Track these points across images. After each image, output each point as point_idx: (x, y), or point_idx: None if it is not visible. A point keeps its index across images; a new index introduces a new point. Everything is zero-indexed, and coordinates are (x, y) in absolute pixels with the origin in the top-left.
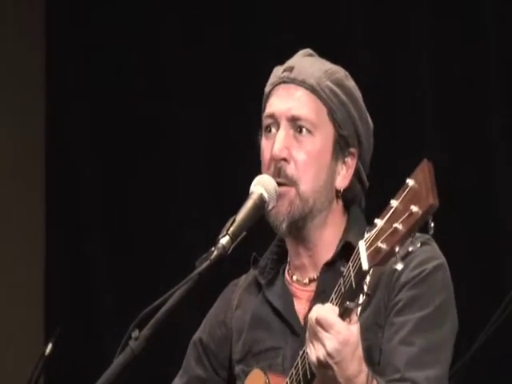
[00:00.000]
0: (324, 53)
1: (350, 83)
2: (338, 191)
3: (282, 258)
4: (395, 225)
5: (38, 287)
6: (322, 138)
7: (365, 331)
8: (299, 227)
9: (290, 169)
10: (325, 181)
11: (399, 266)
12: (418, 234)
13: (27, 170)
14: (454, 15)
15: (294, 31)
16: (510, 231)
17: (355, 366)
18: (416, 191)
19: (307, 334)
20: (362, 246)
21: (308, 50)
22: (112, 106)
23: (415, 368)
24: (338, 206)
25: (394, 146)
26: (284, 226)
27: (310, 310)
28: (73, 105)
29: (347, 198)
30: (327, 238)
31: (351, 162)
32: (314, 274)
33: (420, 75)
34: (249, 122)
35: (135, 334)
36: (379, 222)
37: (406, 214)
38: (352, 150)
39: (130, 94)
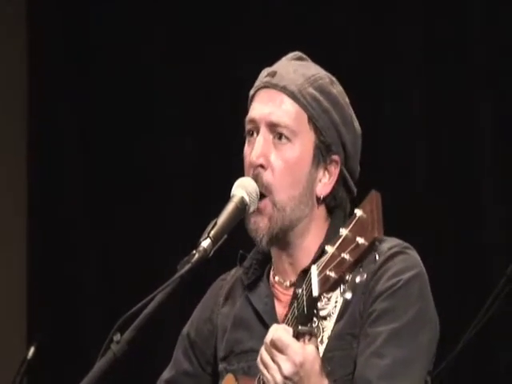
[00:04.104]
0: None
1: (336, 89)
2: (318, 198)
3: (267, 258)
4: (343, 254)
5: (20, 292)
6: (302, 145)
7: (340, 340)
8: (280, 238)
9: (267, 176)
10: (304, 188)
11: (348, 296)
12: (397, 242)
13: (8, 172)
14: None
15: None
16: (494, 231)
17: (314, 381)
18: (363, 222)
19: (261, 356)
20: (313, 271)
21: (297, 53)
22: (99, 104)
23: (387, 381)
24: (319, 212)
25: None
26: (264, 242)
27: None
28: (60, 105)
29: (330, 204)
30: (308, 244)
31: (334, 169)
32: (294, 278)
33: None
34: (238, 124)
35: (117, 337)
36: (330, 249)
37: (353, 245)
38: (335, 157)
39: (117, 92)
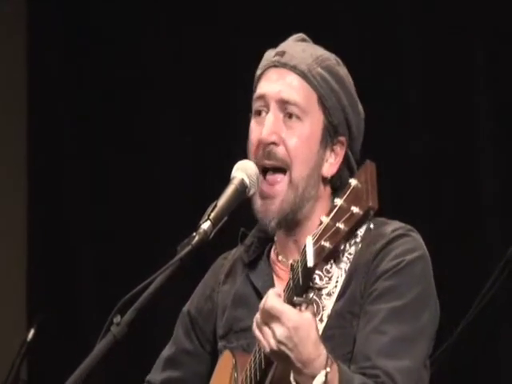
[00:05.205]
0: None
1: (342, 71)
2: (324, 178)
3: (268, 236)
4: (338, 224)
5: (20, 274)
6: (311, 124)
7: (339, 319)
8: (288, 220)
9: (281, 151)
10: (312, 168)
11: (343, 265)
12: (400, 225)
13: (9, 158)
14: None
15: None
16: (494, 218)
17: (311, 349)
18: (358, 192)
19: (256, 321)
20: (309, 242)
21: (301, 35)
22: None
23: (386, 357)
24: (325, 194)
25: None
26: (273, 224)
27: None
28: (59, 104)
29: (335, 185)
30: (313, 224)
31: (340, 150)
32: (297, 257)
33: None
34: (233, 112)
35: (117, 319)
36: (325, 219)
37: (348, 214)
38: (341, 138)
39: (113, 88)
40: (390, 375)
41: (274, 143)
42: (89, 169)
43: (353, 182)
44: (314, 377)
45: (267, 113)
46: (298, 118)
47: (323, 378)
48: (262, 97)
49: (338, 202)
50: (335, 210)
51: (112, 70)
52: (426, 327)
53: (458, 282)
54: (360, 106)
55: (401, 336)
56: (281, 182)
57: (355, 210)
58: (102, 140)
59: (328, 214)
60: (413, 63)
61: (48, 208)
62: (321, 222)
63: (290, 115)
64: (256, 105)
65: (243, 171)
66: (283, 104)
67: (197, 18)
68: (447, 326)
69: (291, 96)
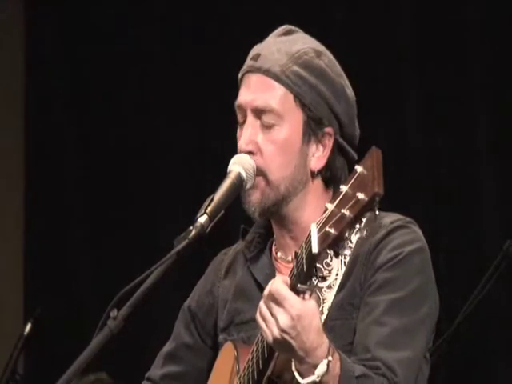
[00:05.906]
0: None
1: (323, 61)
2: (313, 172)
3: (268, 232)
4: (343, 210)
5: (17, 267)
6: (290, 125)
7: (340, 310)
8: (273, 212)
9: (258, 161)
10: (296, 166)
11: (347, 252)
12: (399, 217)
13: (7, 157)
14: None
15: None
16: (490, 210)
17: (313, 338)
18: (363, 178)
19: (260, 309)
20: (313, 228)
21: (285, 27)
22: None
23: (386, 348)
24: (315, 186)
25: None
26: (257, 213)
27: None
28: (56, 104)
29: (326, 176)
30: (308, 218)
31: (328, 141)
32: None
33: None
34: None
35: (113, 313)
36: (330, 206)
37: (353, 201)
38: (327, 129)
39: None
40: (390, 367)
41: (250, 152)
42: (88, 168)
43: (358, 168)
44: (315, 366)
45: (246, 120)
46: (275, 123)
47: (325, 367)
48: (239, 107)
49: (343, 188)
50: (340, 197)
51: (112, 70)
52: (425, 319)
53: (456, 276)
54: (349, 91)
55: (400, 328)
56: (260, 182)
57: (360, 196)
58: (101, 140)
59: (333, 201)
60: (413, 63)
61: (46, 200)
62: (326, 209)
63: (266, 122)
64: (238, 115)
65: (240, 165)
66: (258, 112)
67: (197, 17)
68: (446, 319)
69: (266, 103)
